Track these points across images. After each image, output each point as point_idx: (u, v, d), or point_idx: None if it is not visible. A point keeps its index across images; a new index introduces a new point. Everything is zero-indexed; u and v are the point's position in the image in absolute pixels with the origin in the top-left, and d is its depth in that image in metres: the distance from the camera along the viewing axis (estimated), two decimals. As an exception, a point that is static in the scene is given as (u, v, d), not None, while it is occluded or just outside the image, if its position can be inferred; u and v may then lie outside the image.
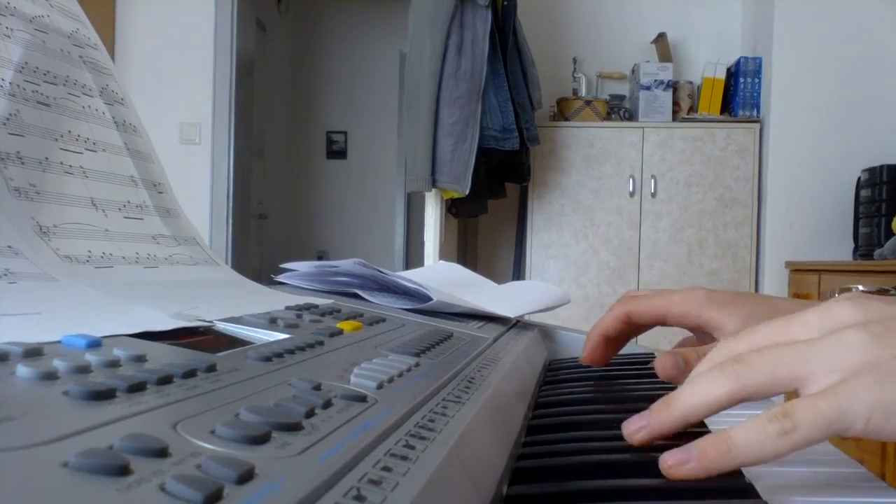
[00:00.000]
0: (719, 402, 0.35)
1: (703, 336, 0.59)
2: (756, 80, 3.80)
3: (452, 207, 3.34)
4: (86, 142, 0.53)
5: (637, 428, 0.37)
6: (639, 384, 0.58)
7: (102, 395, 0.23)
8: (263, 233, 5.54)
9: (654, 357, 0.68)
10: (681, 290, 0.59)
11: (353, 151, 6.23)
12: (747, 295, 0.59)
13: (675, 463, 0.32)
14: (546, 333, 0.81)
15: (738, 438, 0.32)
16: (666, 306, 0.57)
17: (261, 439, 0.22)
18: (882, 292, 0.55)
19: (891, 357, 0.33)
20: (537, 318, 0.90)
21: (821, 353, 0.34)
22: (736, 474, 0.34)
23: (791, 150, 3.72)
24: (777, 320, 0.38)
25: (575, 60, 4.05)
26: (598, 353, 0.60)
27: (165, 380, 0.27)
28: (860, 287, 0.58)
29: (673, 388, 0.39)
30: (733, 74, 3.87)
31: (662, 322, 0.58)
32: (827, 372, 0.34)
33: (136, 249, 0.53)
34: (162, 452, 0.19)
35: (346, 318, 0.52)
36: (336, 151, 6.26)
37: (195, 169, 4.05)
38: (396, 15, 4.51)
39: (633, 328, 0.60)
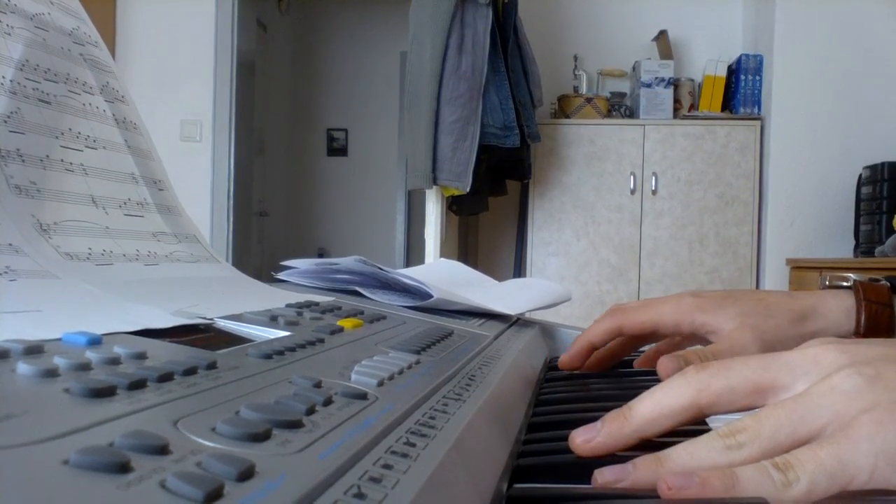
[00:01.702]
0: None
1: (694, 343, 0.59)
2: (757, 78, 3.80)
3: (453, 205, 3.34)
4: (86, 139, 0.53)
5: (615, 479, 0.33)
6: (640, 382, 0.58)
7: (103, 393, 0.23)
8: (264, 230, 5.54)
9: None
10: (669, 298, 0.58)
11: (354, 149, 6.23)
12: (737, 293, 0.58)
13: (675, 486, 0.31)
14: (547, 331, 0.81)
15: (745, 480, 0.31)
16: (656, 316, 0.56)
17: (261, 437, 0.22)
18: (873, 283, 0.55)
19: (889, 402, 0.31)
20: (538, 316, 0.90)
21: (816, 407, 0.33)
22: None
23: (792, 147, 3.71)
24: (756, 358, 0.37)
25: (576, 58, 4.04)
26: (580, 359, 0.60)
27: (166, 377, 0.27)
28: (852, 276, 0.58)
29: None
30: (734, 72, 3.87)
31: (654, 332, 0.58)
32: (826, 425, 0.32)
33: (136, 247, 0.53)
34: (162, 450, 0.19)
35: (347, 316, 0.52)
36: (337, 149, 6.26)
37: (196, 166, 4.05)
38: (397, 14, 4.51)
39: (625, 342, 0.60)
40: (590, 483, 0.33)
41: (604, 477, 0.33)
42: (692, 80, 3.97)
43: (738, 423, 0.34)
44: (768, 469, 0.31)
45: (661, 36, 3.96)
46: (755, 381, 0.36)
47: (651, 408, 0.36)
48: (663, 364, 0.46)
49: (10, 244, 0.42)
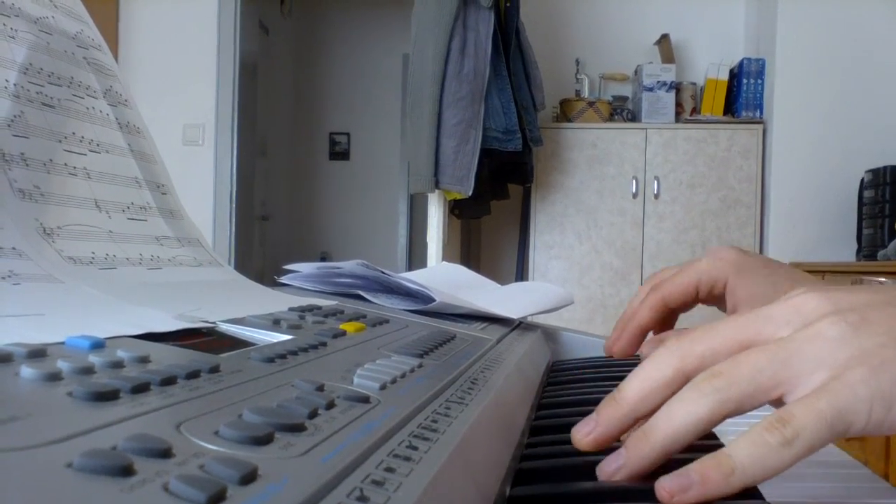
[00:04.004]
0: (701, 423, 0.32)
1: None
2: (759, 82, 3.80)
3: (455, 209, 3.34)
4: (90, 143, 0.53)
5: (615, 468, 0.32)
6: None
7: (106, 396, 0.23)
8: (266, 234, 5.54)
9: None
10: (706, 254, 0.53)
11: (356, 153, 6.24)
12: (776, 267, 0.53)
13: (674, 490, 0.29)
14: (549, 334, 0.81)
15: (740, 457, 0.30)
16: (695, 278, 0.52)
17: (264, 440, 0.22)
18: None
19: (877, 346, 0.31)
20: (540, 320, 0.90)
21: (801, 351, 0.32)
22: None
23: (794, 151, 3.71)
24: (737, 317, 0.35)
25: (578, 62, 4.05)
26: (633, 346, 0.54)
27: (169, 381, 0.27)
28: (884, 280, 0.55)
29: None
30: (736, 75, 3.87)
31: (695, 299, 0.53)
32: (812, 371, 0.31)
33: (139, 251, 0.53)
34: (165, 453, 0.20)
35: (349, 320, 0.52)
36: (339, 153, 6.27)
37: (198, 170, 4.06)
38: (399, 17, 4.52)
39: (669, 315, 0.54)
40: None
41: (604, 472, 0.33)
42: (694, 84, 3.97)
43: (714, 367, 0.33)
44: (763, 435, 0.30)
45: (663, 40, 3.96)
46: (738, 338, 0.34)
47: (639, 385, 0.35)
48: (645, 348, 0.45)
49: (14, 248, 0.42)
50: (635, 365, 0.63)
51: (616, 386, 0.58)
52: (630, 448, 0.32)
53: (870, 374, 0.30)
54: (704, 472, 0.29)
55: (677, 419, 0.32)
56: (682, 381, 0.34)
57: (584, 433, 0.35)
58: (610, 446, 0.35)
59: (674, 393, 0.34)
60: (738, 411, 0.32)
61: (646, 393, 0.35)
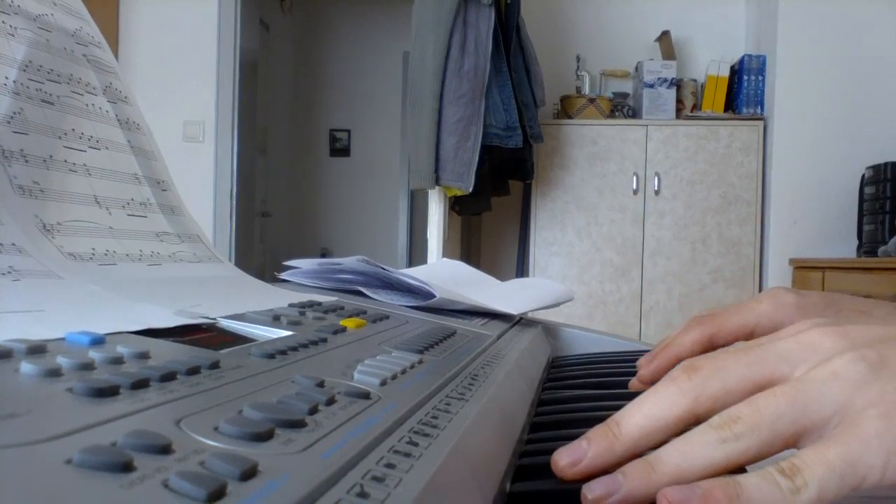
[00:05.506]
0: (715, 469, 0.30)
1: None
2: (760, 78, 3.80)
3: (456, 205, 3.34)
4: (89, 140, 0.53)
5: (606, 493, 0.30)
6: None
7: (106, 392, 0.23)
8: (267, 230, 5.54)
9: None
10: (763, 297, 0.51)
11: (357, 149, 6.24)
12: (840, 301, 0.51)
13: (675, 502, 0.28)
14: (549, 330, 0.81)
15: (749, 489, 0.28)
16: (754, 318, 0.50)
17: (264, 436, 0.22)
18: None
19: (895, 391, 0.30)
20: (541, 316, 0.90)
21: (819, 395, 0.30)
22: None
23: (795, 147, 3.71)
24: (747, 351, 0.34)
25: (578, 58, 4.04)
26: (664, 374, 0.52)
27: (169, 377, 0.27)
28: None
29: None
30: (737, 72, 3.87)
31: (750, 336, 0.51)
32: (829, 416, 0.30)
33: (139, 247, 0.53)
34: (165, 449, 0.20)
35: (350, 316, 0.52)
36: (339, 149, 6.26)
37: (199, 167, 4.06)
38: (400, 14, 4.51)
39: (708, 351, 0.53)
40: None
41: (594, 493, 0.30)
42: (695, 81, 3.97)
43: (733, 411, 0.31)
44: (774, 476, 0.29)
45: (664, 36, 3.96)
46: (752, 377, 0.33)
47: (642, 422, 0.33)
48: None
49: (14, 244, 0.42)
50: (636, 360, 0.63)
51: (616, 383, 0.58)
52: (631, 477, 0.30)
53: (886, 426, 0.29)
54: (710, 490, 0.28)
55: (692, 461, 0.30)
56: (690, 423, 0.33)
57: (571, 462, 0.33)
58: None
59: (678, 432, 0.33)
60: (755, 459, 0.31)
61: (649, 431, 0.33)
